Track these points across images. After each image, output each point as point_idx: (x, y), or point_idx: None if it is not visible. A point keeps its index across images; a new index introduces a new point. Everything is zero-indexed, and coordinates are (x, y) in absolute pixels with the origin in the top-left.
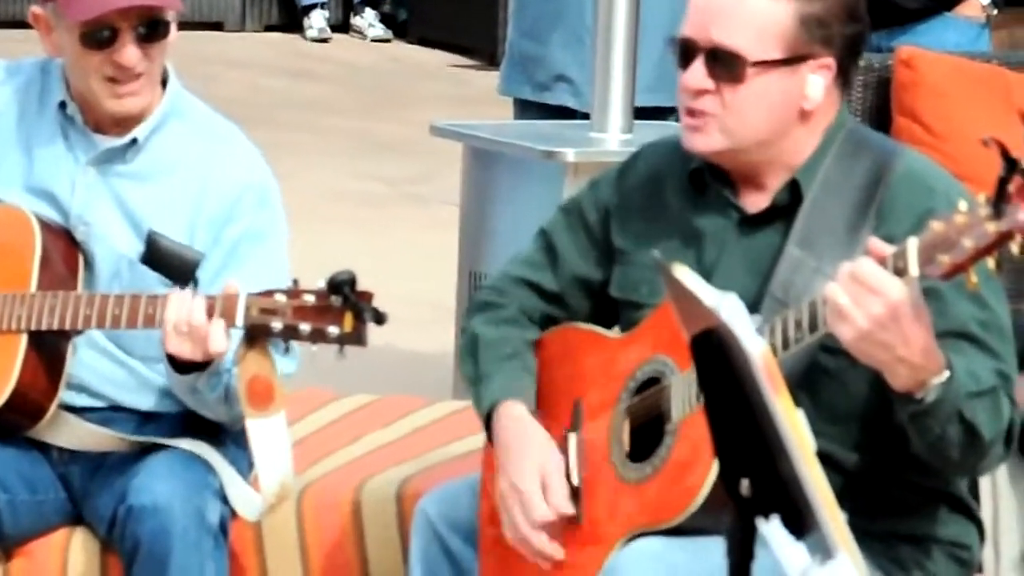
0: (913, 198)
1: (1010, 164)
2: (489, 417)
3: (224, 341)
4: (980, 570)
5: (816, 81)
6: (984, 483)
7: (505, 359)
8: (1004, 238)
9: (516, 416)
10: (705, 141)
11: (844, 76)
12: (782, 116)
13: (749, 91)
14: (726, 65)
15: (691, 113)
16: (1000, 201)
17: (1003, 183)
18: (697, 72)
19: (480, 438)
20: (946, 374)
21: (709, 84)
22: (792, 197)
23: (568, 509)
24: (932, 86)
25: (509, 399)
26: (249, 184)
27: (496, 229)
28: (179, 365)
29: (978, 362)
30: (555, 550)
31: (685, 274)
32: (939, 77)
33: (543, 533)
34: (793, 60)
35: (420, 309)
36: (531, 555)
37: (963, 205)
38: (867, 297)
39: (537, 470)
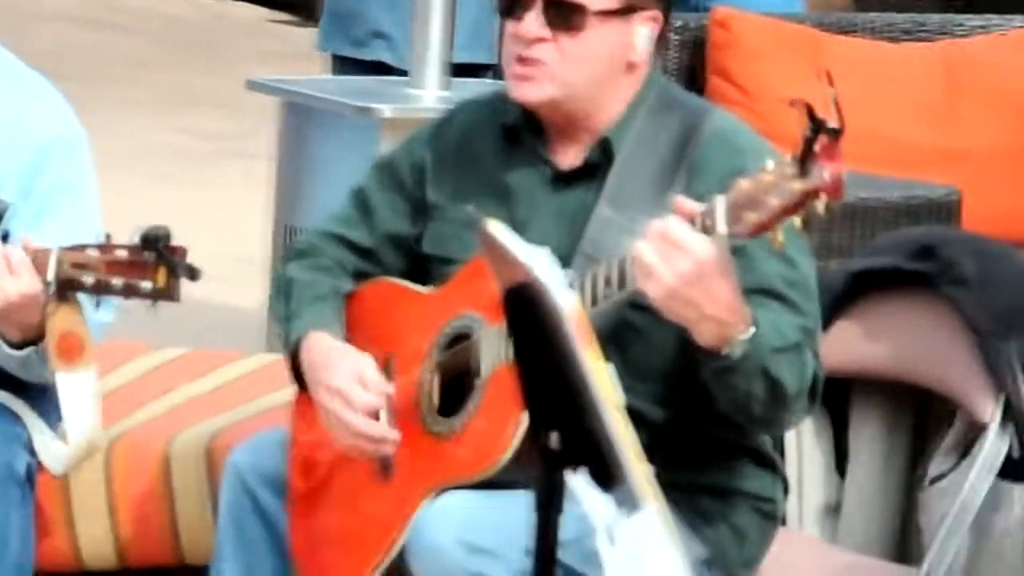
0: (722, 157)
1: (816, 124)
2: (296, 354)
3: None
4: (784, 522)
5: (643, 33)
6: (789, 437)
7: (317, 300)
8: (809, 197)
9: (325, 344)
10: (536, 91)
11: (662, 31)
12: (612, 67)
13: (587, 40)
14: (566, 14)
15: (523, 62)
16: (806, 160)
17: (809, 143)
18: (534, 21)
19: (292, 391)
20: (751, 331)
21: (546, 33)
22: (604, 155)
23: (390, 388)
24: (745, 47)
25: (319, 331)
26: (58, 136)
27: (312, 185)
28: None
29: (783, 319)
30: (393, 432)
31: (498, 229)
32: (752, 38)
33: (373, 420)
34: (627, 10)
35: (234, 264)
36: (371, 448)
37: (770, 164)
38: (674, 255)
39: (351, 369)
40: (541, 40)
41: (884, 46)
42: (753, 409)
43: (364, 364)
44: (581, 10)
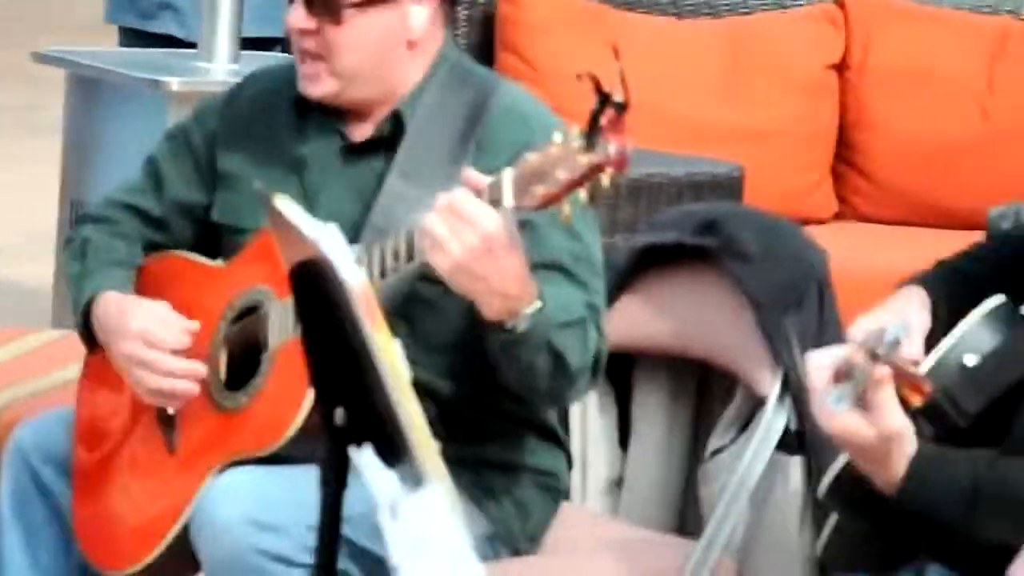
0: (511, 131)
1: (602, 98)
2: (88, 313)
3: None
4: (568, 497)
5: (419, 12)
6: (574, 412)
7: (113, 264)
8: (596, 170)
9: (118, 297)
10: (318, 87)
11: (447, 6)
12: (389, 51)
13: (351, 31)
14: (324, 5)
15: (303, 59)
16: (592, 134)
17: (595, 117)
18: (299, 12)
19: (79, 368)
20: (537, 304)
21: (311, 24)
22: (396, 128)
23: (194, 324)
24: (533, 22)
25: (113, 291)
26: None
27: (100, 158)
28: None
29: (568, 294)
30: (200, 367)
31: (285, 204)
32: (540, 13)
33: (179, 356)
34: None
35: (20, 240)
36: (179, 388)
37: (557, 137)
38: (462, 228)
39: (149, 311)
40: (308, 32)
41: (671, 22)
42: (538, 382)
43: (162, 306)
44: (335, 2)
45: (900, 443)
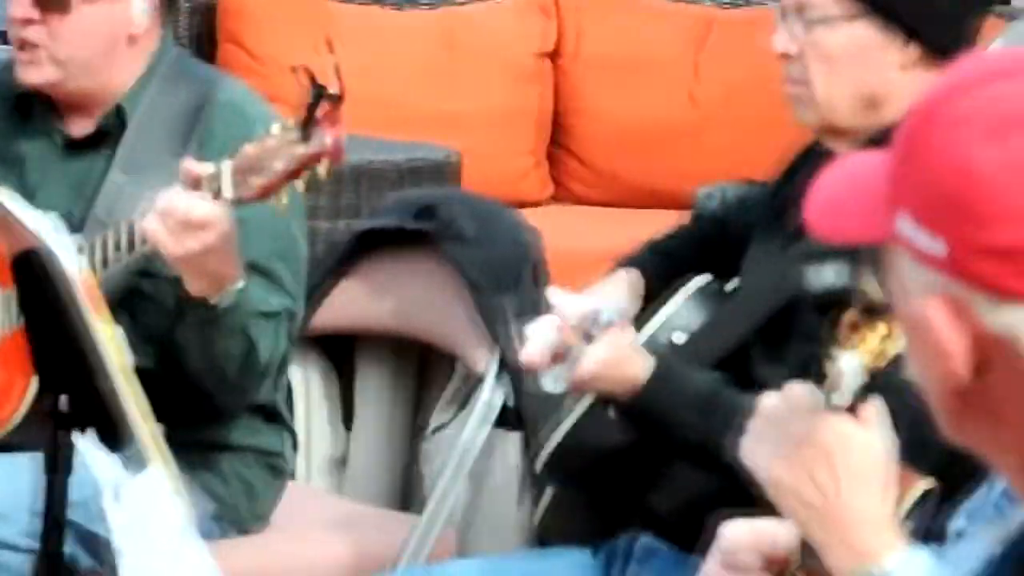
0: (231, 126)
1: (316, 91)
2: None
3: None
4: (294, 476)
5: (139, 6)
6: (298, 395)
7: None
8: (312, 160)
9: None
10: (36, 74)
11: (166, 4)
12: (111, 44)
13: (76, 21)
14: None
15: (22, 47)
16: (308, 126)
17: (311, 109)
18: (23, 3)
19: None
20: (241, 283)
21: (35, 14)
22: (117, 122)
23: None
24: (254, 14)
25: None
26: None
27: None
28: None
29: (270, 293)
30: None
31: (5, 196)
32: (261, 5)
33: None
34: None
35: None
36: None
37: (274, 129)
38: (181, 220)
39: None
40: (31, 21)
41: (388, 13)
42: (227, 370)
43: None
44: None
45: (633, 359)
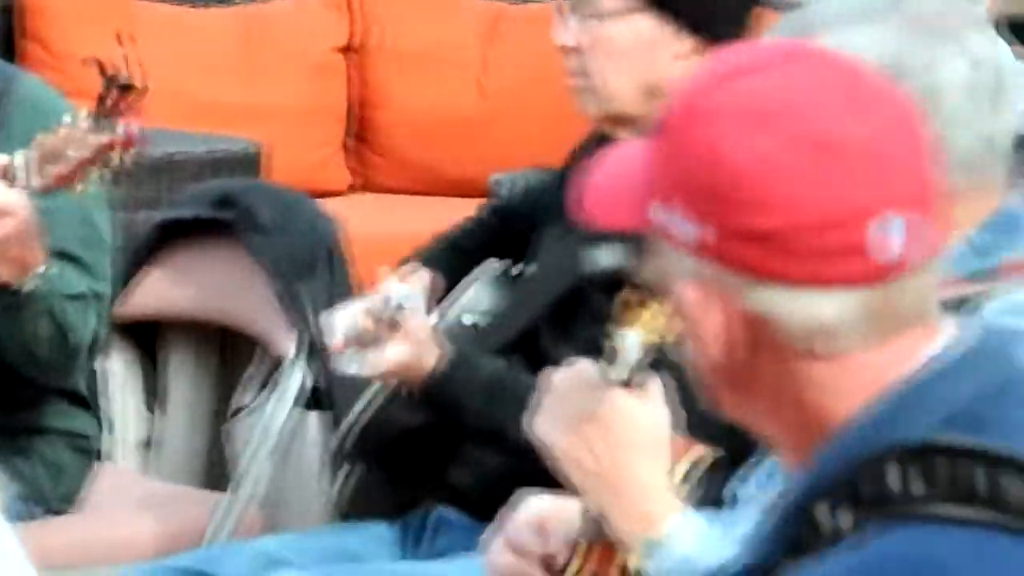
0: (28, 121)
1: (108, 81)
2: None
3: None
4: (100, 458)
5: None
6: (108, 380)
7: None
8: (106, 148)
9: None
10: None
11: None
12: None
13: None
14: None
15: None
16: (100, 115)
17: (102, 98)
18: None
19: None
20: (44, 267)
21: None
22: None
23: None
24: (55, 11)
25: None
26: None
27: None
28: None
29: (76, 274)
30: None
31: None
32: (61, 3)
33: None
34: None
35: None
36: None
37: (67, 119)
38: None
39: None
40: None
41: (187, 11)
42: (39, 351)
43: None
44: None
45: (428, 353)
